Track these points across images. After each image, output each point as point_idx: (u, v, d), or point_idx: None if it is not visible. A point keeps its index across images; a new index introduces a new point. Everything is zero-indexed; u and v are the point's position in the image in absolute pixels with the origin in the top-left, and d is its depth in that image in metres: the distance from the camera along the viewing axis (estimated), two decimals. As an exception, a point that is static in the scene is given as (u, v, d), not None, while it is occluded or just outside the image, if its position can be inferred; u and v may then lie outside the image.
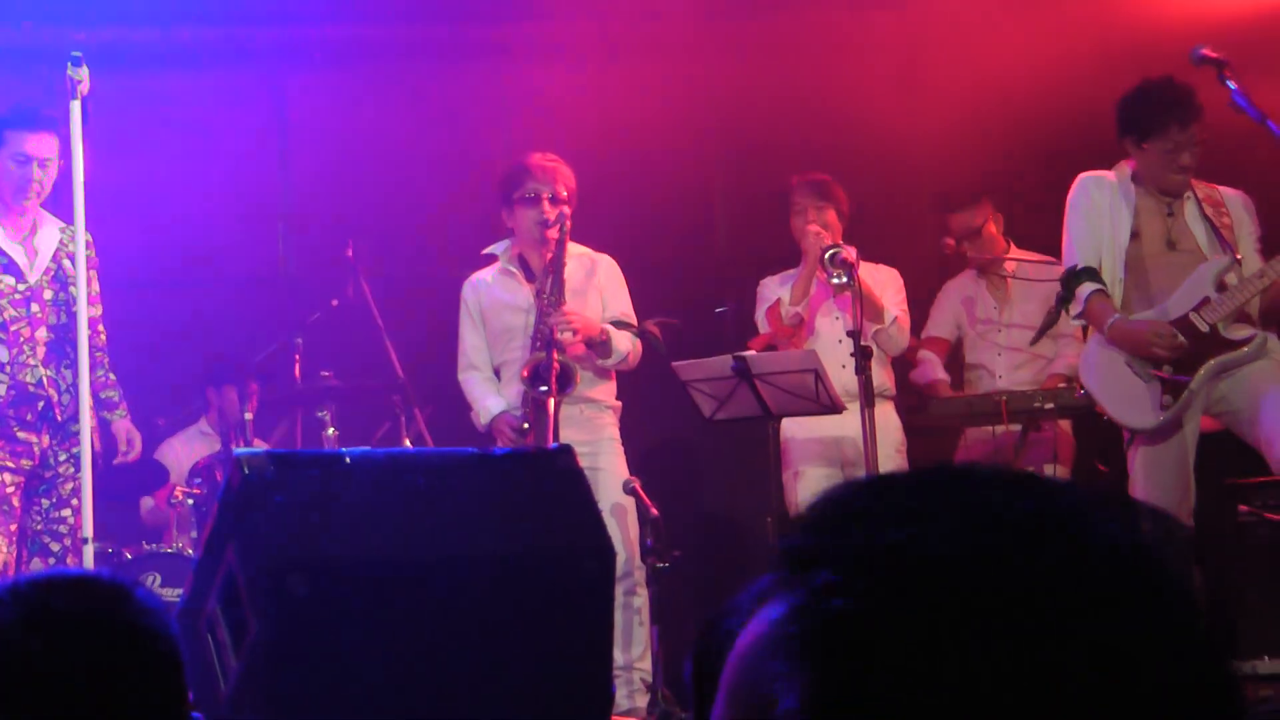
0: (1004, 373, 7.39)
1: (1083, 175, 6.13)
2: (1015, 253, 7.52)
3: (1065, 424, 7.30)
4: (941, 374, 7.52)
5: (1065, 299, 6.06)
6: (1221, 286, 5.87)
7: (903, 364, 7.40)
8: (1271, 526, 6.84)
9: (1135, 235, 5.97)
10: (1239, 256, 5.90)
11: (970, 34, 8.04)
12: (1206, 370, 5.80)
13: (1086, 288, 5.94)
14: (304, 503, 3.88)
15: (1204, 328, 5.82)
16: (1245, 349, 5.81)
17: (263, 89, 8.39)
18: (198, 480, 6.68)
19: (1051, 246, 6.88)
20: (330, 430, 6.52)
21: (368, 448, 4.76)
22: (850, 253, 6.44)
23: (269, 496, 3.82)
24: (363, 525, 3.92)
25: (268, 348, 7.31)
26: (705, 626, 1.39)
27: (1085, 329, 6.32)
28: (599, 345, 6.38)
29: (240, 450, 4.09)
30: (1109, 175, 6.08)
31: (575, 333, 6.23)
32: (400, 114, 8.26)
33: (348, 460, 3.97)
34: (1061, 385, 7.05)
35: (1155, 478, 5.84)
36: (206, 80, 8.13)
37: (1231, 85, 5.37)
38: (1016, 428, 7.00)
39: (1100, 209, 6.02)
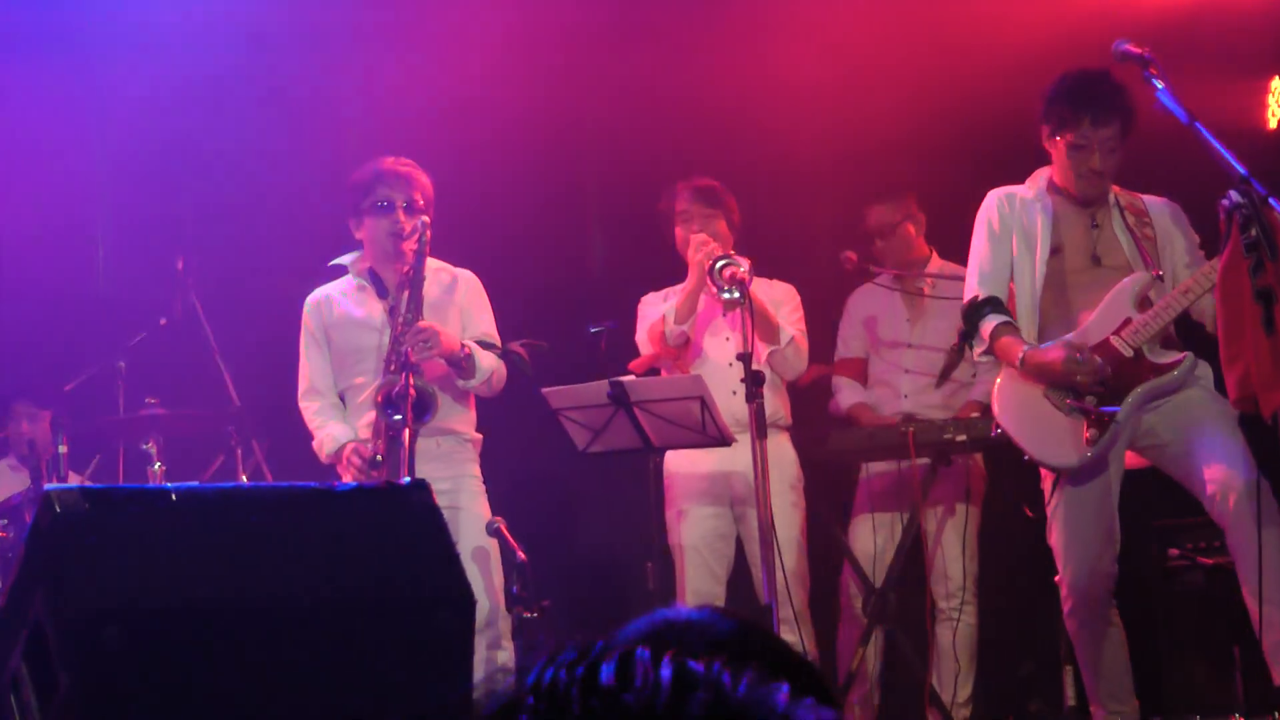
0: (910, 393, 7.47)
1: (991, 193, 6.19)
2: (937, 264, 7.61)
3: (978, 457, 7.40)
4: (861, 396, 7.59)
5: (968, 334, 6.10)
6: (1144, 305, 5.92)
7: (800, 391, 7.46)
8: (1204, 572, 6.94)
9: (1056, 250, 6.01)
10: (1159, 273, 5.95)
11: (875, 30, 8.15)
12: (1134, 399, 5.84)
13: (990, 321, 5.98)
14: (123, 544, 3.84)
15: (1128, 352, 5.86)
16: (1174, 373, 5.86)
17: (77, 80, 8.28)
18: (3, 521, 6.61)
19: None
20: (156, 465, 6.47)
21: (196, 483, 4.72)
22: (742, 266, 6.47)
23: (83, 537, 3.78)
24: (189, 569, 3.89)
25: (85, 372, 7.24)
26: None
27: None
28: (461, 363, 6.37)
29: (51, 486, 4.04)
30: (1021, 189, 6.14)
31: (430, 347, 6.21)
32: (235, 110, 8.21)
33: (173, 496, 3.94)
34: (975, 415, 7.14)
35: (1077, 520, 5.88)
36: (9, 69, 8.04)
37: (1157, 84, 5.45)
38: (924, 460, 7.08)
39: (1009, 228, 6.05)
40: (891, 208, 7.58)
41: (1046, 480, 5.99)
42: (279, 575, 4.04)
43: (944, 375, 6.66)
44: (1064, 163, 5.99)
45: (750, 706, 1.15)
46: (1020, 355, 5.87)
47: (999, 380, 6.06)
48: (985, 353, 6.05)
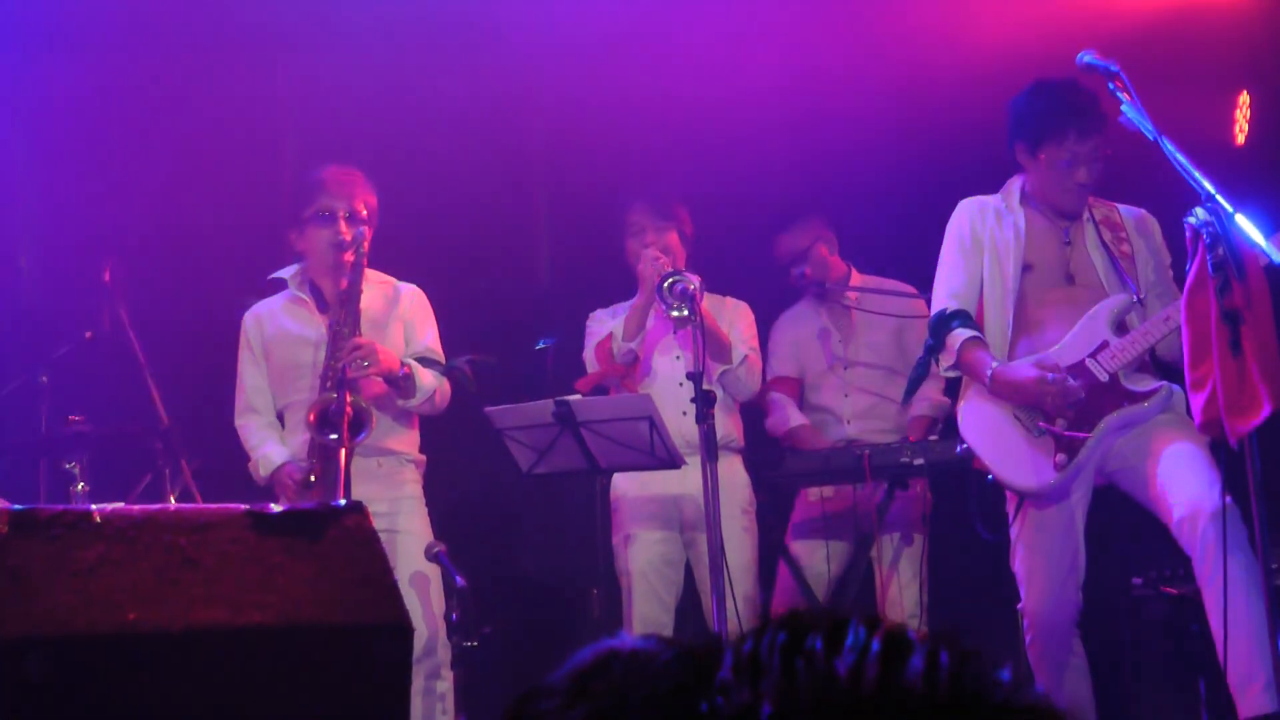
0: (851, 418, 7.48)
1: (963, 202, 6.16)
2: (857, 279, 7.63)
3: (923, 480, 7.42)
4: (800, 418, 7.59)
5: (934, 348, 6.09)
6: (1122, 328, 5.92)
7: (753, 412, 7.46)
8: (1169, 601, 6.95)
9: (1028, 267, 6.00)
10: (1140, 296, 5.94)
11: (834, 40, 8.18)
12: (1105, 425, 5.83)
13: (959, 335, 5.96)
14: (43, 568, 3.81)
15: (1103, 377, 5.86)
16: (1147, 403, 5.85)
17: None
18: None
19: (911, 275, 7.03)
20: (80, 485, 6.41)
21: (122, 504, 4.68)
22: (693, 282, 6.47)
23: (3, 561, 3.74)
24: (113, 594, 3.86)
25: (5, 387, 7.18)
26: (513, 710, 1.41)
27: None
28: (400, 382, 6.35)
29: (-35, 506, 4.00)
30: (994, 199, 6.12)
31: (368, 364, 6.18)
32: (169, 111, 8.16)
33: (96, 519, 3.91)
34: (925, 429, 7.17)
35: (1042, 546, 5.87)
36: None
37: (1123, 97, 5.46)
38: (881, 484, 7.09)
39: (980, 240, 6.04)
40: (798, 233, 7.60)
41: (1010, 503, 5.98)
42: (206, 600, 4.00)
43: (910, 391, 6.64)
44: (1045, 177, 5.98)
45: (964, 680, 1.18)
46: (989, 372, 5.86)
47: (966, 398, 6.05)
48: (951, 367, 6.03)
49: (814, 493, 7.47)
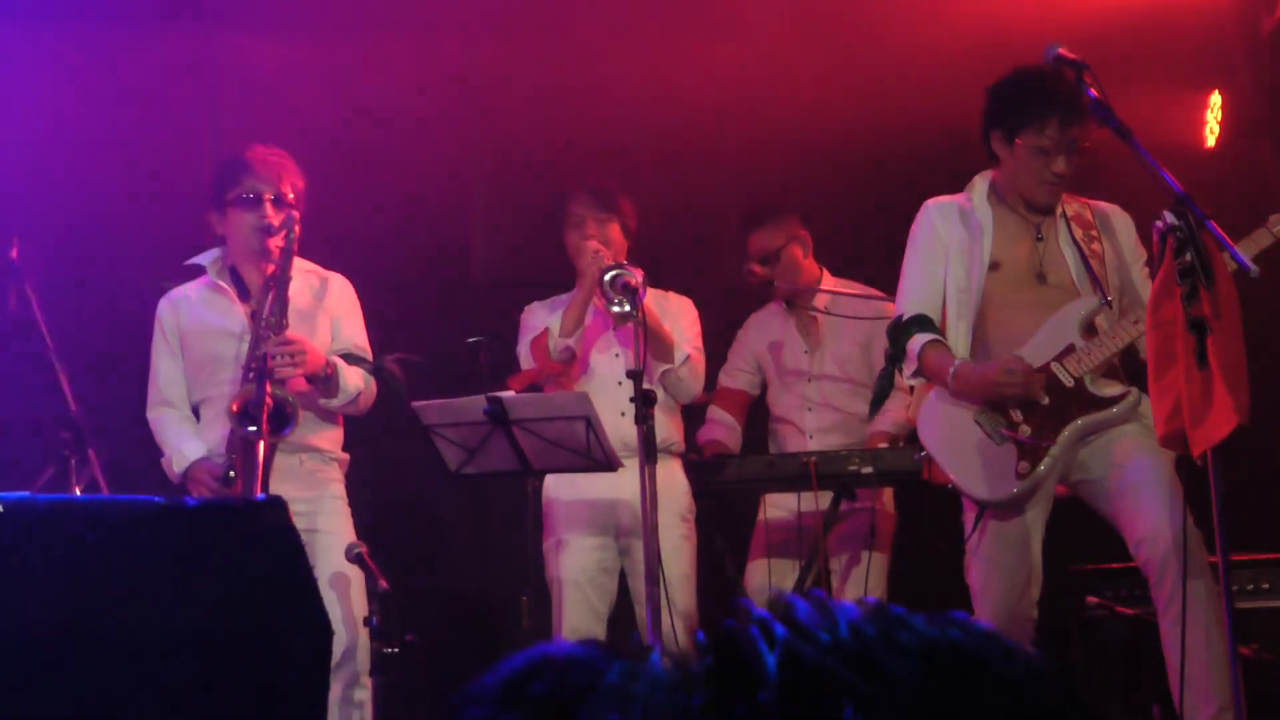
0: (814, 433, 7.50)
1: (927, 203, 6.15)
2: (829, 282, 7.64)
3: (887, 494, 7.43)
4: (720, 434, 7.60)
5: (895, 357, 6.09)
6: (1091, 331, 5.92)
7: (695, 414, 7.48)
8: (1124, 622, 6.99)
9: (995, 265, 6.00)
10: (1109, 297, 5.94)
11: (791, 29, 8.19)
12: (1070, 432, 5.83)
13: (918, 340, 5.95)
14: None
15: (1068, 381, 5.86)
16: (1115, 409, 5.86)
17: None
18: None
19: (881, 280, 7.04)
20: (-21, 474, 6.37)
21: (27, 494, 4.64)
22: (635, 276, 6.47)
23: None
24: (17, 589, 3.83)
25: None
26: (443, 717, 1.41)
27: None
28: (324, 381, 6.33)
29: None
30: (958, 199, 6.12)
31: (296, 364, 6.16)
32: (83, 84, 8.11)
33: (0, 508, 3.88)
34: (883, 445, 7.18)
35: (999, 558, 5.87)
36: None
37: (1092, 93, 5.48)
38: (827, 494, 7.10)
39: (945, 243, 6.02)
40: (772, 231, 7.59)
41: (968, 512, 5.99)
42: (118, 598, 3.98)
43: (876, 403, 6.63)
44: (1021, 168, 5.97)
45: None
46: (951, 370, 5.85)
47: (926, 400, 6.04)
48: (915, 374, 6.03)
49: (762, 511, 7.49)
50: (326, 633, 4.17)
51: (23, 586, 3.86)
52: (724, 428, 7.68)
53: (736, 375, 7.75)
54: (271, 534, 4.21)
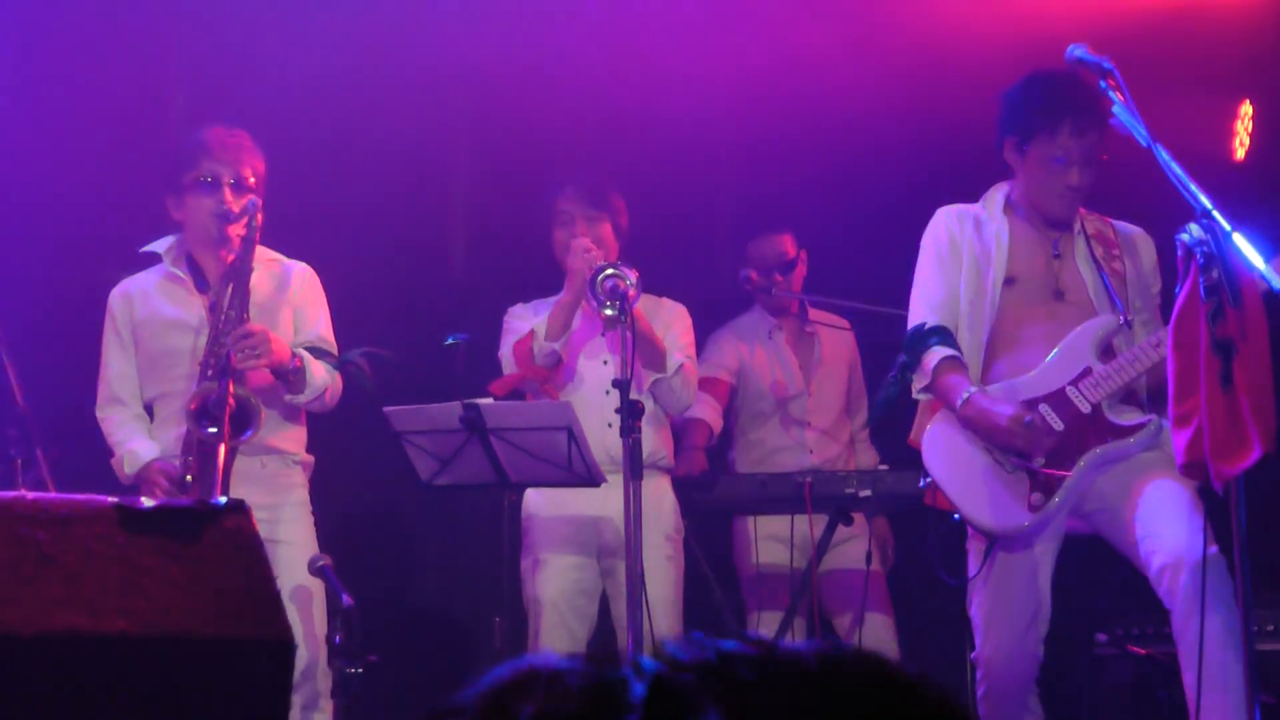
0: (816, 448, 7.56)
1: (941, 210, 6.16)
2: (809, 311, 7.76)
3: (884, 519, 7.46)
4: (702, 412, 7.59)
5: (908, 366, 6.08)
6: (1108, 353, 5.91)
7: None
8: (1134, 662, 7.00)
9: (1011, 280, 6.00)
10: (1127, 317, 5.94)
11: (790, 27, 8.22)
12: (1086, 462, 5.82)
13: (936, 353, 5.95)
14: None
15: (1084, 408, 5.85)
16: (1132, 439, 5.85)
17: None
18: None
19: (874, 292, 7.06)
20: (-79, 471, 6.36)
21: (-29, 490, 4.64)
22: (629, 278, 6.47)
23: None
24: (-42, 591, 3.84)
25: None
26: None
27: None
28: (289, 375, 6.33)
29: None
30: (975, 207, 6.12)
31: (259, 355, 6.16)
32: (31, 56, 8.09)
33: (-57, 503, 3.89)
34: (883, 466, 7.20)
35: (1005, 593, 5.87)
36: None
37: (1115, 97, 5.47)
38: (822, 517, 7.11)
39: (959, 251, 6.03)
40: (784, 241, 7.67)
41: (973, 542, 5.99)
42: (67, 603, 3.98)
43: (880, 410, 6.63)
44: (1034, 177, 5.98)
45: None
46: (963, 397, 5.84)
47: (933, 422, 6.02)
48: (925, 389, 6.03)
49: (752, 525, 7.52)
50: (290, 647, 4.17)
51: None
52: (705, 405, 7.65)
53: (719, 366, 7.75)
54: (232, 539, 4.22)
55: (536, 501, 6.93)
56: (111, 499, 4.12)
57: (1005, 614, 5.88)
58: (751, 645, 1.43)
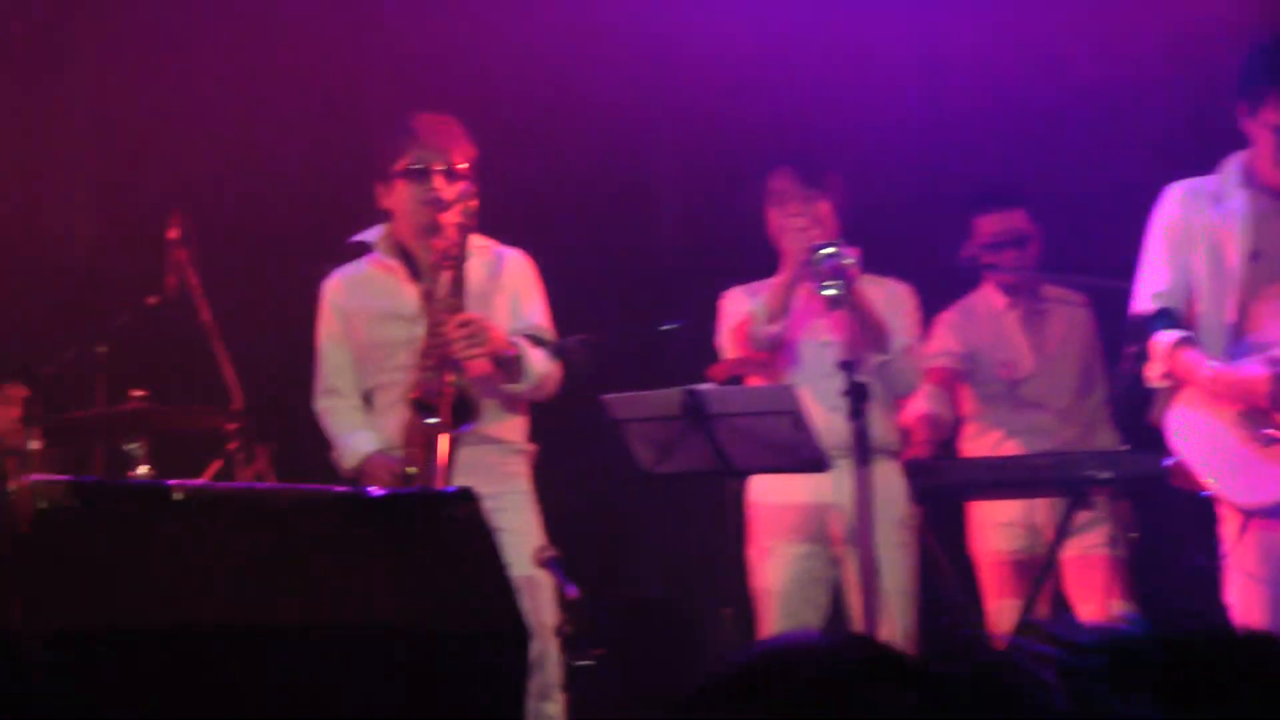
0: (1048, 430, 7.48)
1: (1171, 186, 6.04)
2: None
3: (1126, 502, 7.36)
4: (931, 408, 7.53)
5: (1140, 355, 6.00)
6: None
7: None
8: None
9: (1254, 256, 5.86)
10: None
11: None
12: None
13: (1166, 337, 5.89)
14: (116, 550, 3.86)
15: None
16: None
17: (56, 24, 8.34)
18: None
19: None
20: (142, 469, 6.47)
21: (205, 481, 4.72)
22: (850, 257, 6.44)
23: (70, 540, 3.79)
24: (195, 582, 3.90)
25: (57, 358, 7.24)
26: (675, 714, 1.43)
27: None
28: (509, 364, 6.36)
29: (36, 477, 4.06)
30: (1207, 182, 5.99)
31: (478, 343, 6.20)
32: (242, 50, 8.22)
33: (177, 495, 3.95)
34: (1124, 447, 7.11)
35: (1266, 575, 5.75)
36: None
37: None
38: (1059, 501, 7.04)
39: (1191, 229, 5.93)
40: (1019, 216, 7.57)
41: (1225, 523, 5.90)
42: (298, 595, 4.04)
43: (1123, 401, 6.55)
44: (1264, 145, 5.84)
45: None
46: (1210, 372, 5.77)
47: (1177, 402, 5.94)
48: (1164, 375, 5.93)
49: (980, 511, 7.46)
50: (525, 636, 4.19)
51: (201, 581, 3.93)
52: (933, 400, 7.59)
53: (942, 357, 7.68)
54: (464, 527, 4.25)
55: (762, 489, 6.89)
56: (340, 488, 4.18)
57: (1267, 598, 5.76)
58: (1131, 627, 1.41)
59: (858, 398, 6.17)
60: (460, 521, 4.29)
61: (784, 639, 1.53)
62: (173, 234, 7.16)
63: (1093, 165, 8.12)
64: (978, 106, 8.27)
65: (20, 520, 3.83)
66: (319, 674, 3.96)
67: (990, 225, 7.58)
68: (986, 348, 7.67)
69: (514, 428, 6.52)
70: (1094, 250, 7.57)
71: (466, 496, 4.34)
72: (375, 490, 4.39)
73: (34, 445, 6.86)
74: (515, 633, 4.16)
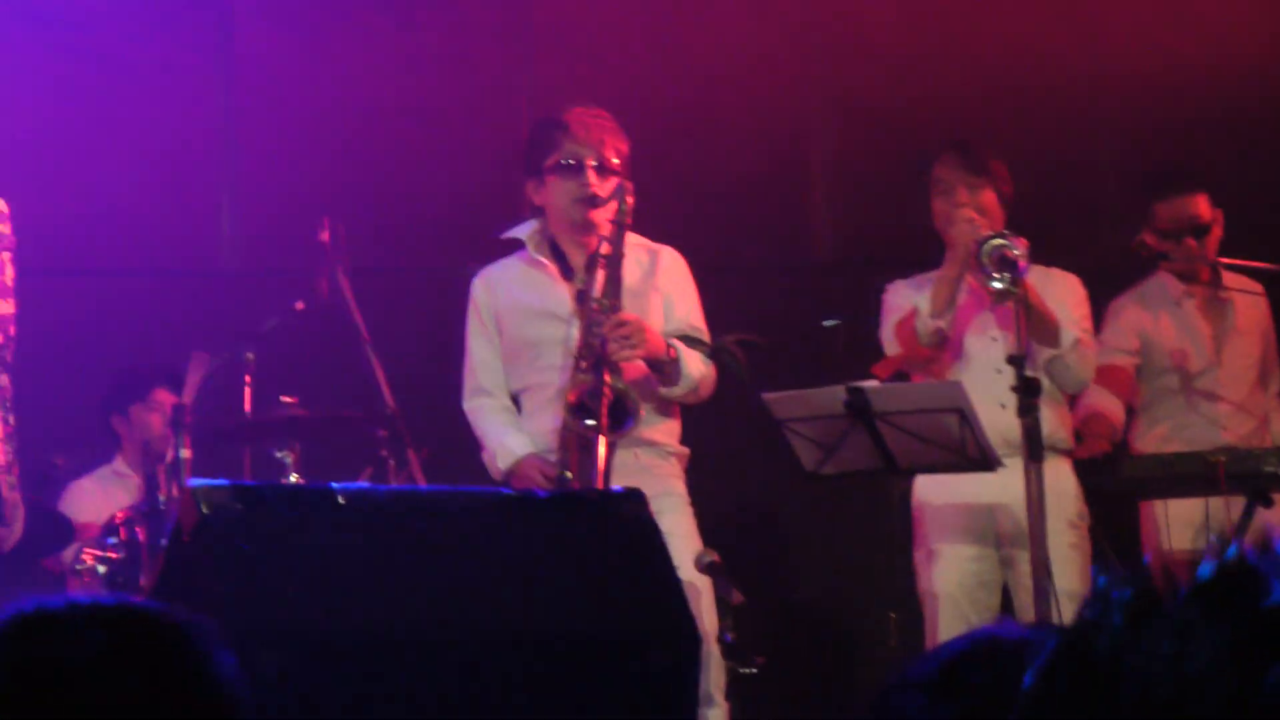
0: (1230, 425, 7.40)
1: None
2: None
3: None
4: (1102, 405, 7.45)
5: None
6: None
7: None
8: None
9: None
10: None
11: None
12: None
13: None
14: (279, 554, 3.90)
15: None
16: None
17: (202, 24, 8.42)
18: (112, 540, 6.65)
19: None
20: (293, 476, 6.52)
21: (367, 484, 4.75)
22: (1018, 248, 6.39)
23: (233, 544, 3.83)
24: (357, 585, 3.94)
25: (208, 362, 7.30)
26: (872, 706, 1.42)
27: None
28: (665, 366, 6.36)
29: (197, 482, 4.10)
30: None
31: (634, 345, 6.20)
32: (388, 48, 8.29)
33: (340, 499, 3.99)
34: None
35: None
36: (134, 17, 8.18)
37: None
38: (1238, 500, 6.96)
39: None
40: (1200, 202, 7.48)
41: None
42: (463, 598, 4.07)
43: None
44: None
45: None
46: None
47: None
48: None
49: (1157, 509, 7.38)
50: (695, 640, 4.20)
51: (364, 586, 3.96)
52: (1106, 395, 7.51)
53: (1115, 351, 7.59)
54: (631, 529, 4.26)
55: (928, 489, 6.85)
56: (505, 489, 4.19)
57: None
58: None
59: (1028, 393, 6.12)
60: (630, 522, 4.30)
61: (988, 632, 1.52)
62: (323, 236, 7.19)
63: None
64: (1155, 89, 8.18)
65: (184, 525, 3.87)
66: (480, 683, 3.98)
67: (1169, 211, 7.50)
68: (1162, 338, 7.59)
69: (668, 430, 6.51)
70: (1268, 237, 7.50)
71: (636, 497, 4.36)
72: (542, 491, 4.41)
73: (185, 454, 6.92)
74: (687, 635, 4.16)
